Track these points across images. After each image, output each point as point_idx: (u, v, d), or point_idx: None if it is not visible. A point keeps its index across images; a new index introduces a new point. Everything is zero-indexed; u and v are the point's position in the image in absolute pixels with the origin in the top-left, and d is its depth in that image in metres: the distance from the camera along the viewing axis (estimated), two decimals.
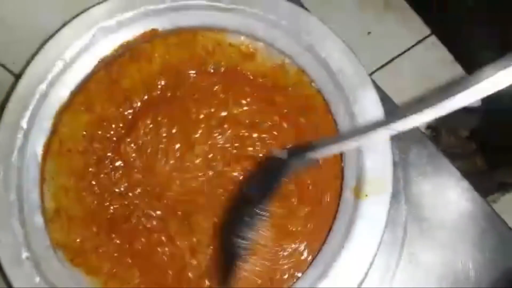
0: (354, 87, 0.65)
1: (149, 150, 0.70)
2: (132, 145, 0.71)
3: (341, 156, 0.66)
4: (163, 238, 0.67)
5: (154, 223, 0.67)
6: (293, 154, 0.60)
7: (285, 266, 0.64)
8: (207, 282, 0.64)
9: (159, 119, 0.71)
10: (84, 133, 0.72)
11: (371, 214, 0.60)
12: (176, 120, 0.71)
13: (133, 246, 0.67)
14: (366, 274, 0.59)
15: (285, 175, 0.61)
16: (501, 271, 0.72)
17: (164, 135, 0.70)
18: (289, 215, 0.67)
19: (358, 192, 0.62)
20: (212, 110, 0.72)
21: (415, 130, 0.79)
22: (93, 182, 0.70)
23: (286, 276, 0.64)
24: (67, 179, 0.70)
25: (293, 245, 0.65)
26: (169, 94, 0.74)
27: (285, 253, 0.65)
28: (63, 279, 0.62)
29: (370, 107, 0.64)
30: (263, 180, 0.63)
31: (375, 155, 0.62)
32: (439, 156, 0.77)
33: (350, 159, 0.65)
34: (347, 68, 0.66)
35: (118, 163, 0.71)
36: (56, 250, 0.65)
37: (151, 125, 0.71)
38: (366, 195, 0.60)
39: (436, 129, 1.06)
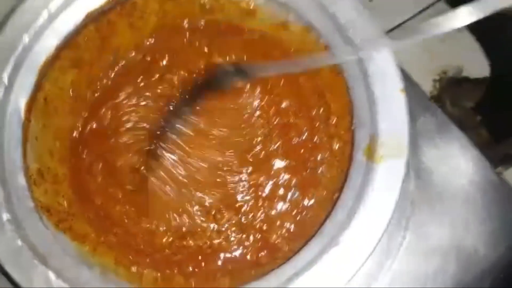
0: (366, 43, 0.60)
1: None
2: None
3: (351, 116, 0.61)
4: None
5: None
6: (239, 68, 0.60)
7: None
8: None
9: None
10: (71, 92, 0.68)
11: (386, 180, 0.55)
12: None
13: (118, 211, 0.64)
14: (376, 246, 0.54)
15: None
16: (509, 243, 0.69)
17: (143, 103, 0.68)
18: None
19: (370, 154, 0.57)
20: None
21: (422, 98, 0.76)
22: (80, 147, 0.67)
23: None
24: (53, 141, 0.66)
25: None
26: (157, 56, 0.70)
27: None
28: (48, 244, 0.57)
29: (385, 65, 0.59)
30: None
31: (390, 114, 0.57)
32: (448, 124, 0.74)
33: (362, 119, 0.60)
34: (358, 22, 0.61)
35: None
36: (41, 214, 0.60)
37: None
38: (381, 158, 0.56)
39: (440, 99, 1.02)
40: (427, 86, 1.03)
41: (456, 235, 0.68)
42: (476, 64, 1.05)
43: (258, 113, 0.67)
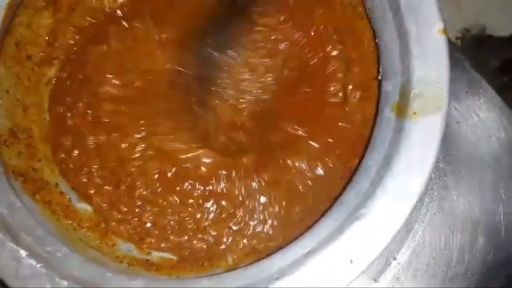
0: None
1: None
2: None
3: (378, 60, 0.51)
4: None
5: None
6: None
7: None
8: None
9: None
10: (47, 38, 0.60)
11: (419, 140, 0.45)
12: None
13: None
14: (405, 221, 0.45)
15: None
16: None
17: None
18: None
19: (401, 109, 0.47)
20: None
21: (452, 50, 0.67)
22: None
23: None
24: (26, 94, 0.58)
25: None
26: None
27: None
28: (19, 216, 0.49)
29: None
30: None
31: (426, 60, 0.47)
32: (479, 81, 0.65)
33: (390, 67, 0.50)
34: None
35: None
36: (12, 180, 0.51)
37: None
38: (415, 113, 0.46)
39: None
40: None
41: (485, 208, 0.61)
42: (501, 22, 0.97)
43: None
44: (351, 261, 0.44)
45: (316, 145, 0.57)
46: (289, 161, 0.56)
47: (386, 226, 0.45)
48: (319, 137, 0.57)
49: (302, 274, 0.44)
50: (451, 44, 0.67)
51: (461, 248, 0.60)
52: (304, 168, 0.56)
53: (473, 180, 0.62)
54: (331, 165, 0.56)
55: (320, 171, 0.56)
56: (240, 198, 0.57)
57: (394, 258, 0.60)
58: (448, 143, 0.63)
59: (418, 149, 0.45)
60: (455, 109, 0.64)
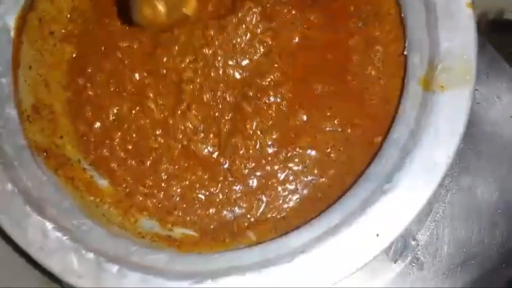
0: None
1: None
2: None
3: (404, 35, 0.51)
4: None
5: None
6: None
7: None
8: None
9: None
10: (69, 15, 0.60)
11: (447, 113, 0.45)
12: None
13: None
14: (432, 195, 0.45)
15: None
16: None
17: None
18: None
19: (428, 83, 0.47)
20: None
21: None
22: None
23: None
24: (48, 70, 0.58)
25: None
26: None
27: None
28: (46, 190, 0.49)
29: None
30: None
31: (454, 33, 0.46)
32: (501, 63, 0.65)
33: (417, 40, 0.50)
34: None
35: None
36: (35, 155, 0.52)
37: None
38: (442, 87, 0.46)
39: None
40: None
41: (506, 190, 0.61)
42: None
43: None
44: (377, 235, 0.44)
45: (345, 109, 0.57)
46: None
47: (413, 198, 0.45)
48: (346, 103, 0.57)
49: (326, 249, 0.45)
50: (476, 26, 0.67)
51: (481, 229, 0.60)
52: (338, 129, 0.56)
53: (493, 160, 0.62)
54: (360, 133, 0.55)
55: (351, 135, 0.56)
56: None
57: (414, 239, 0.60)
58: (469, 123, 0.62)
59: (446, 122, 0.46)
60: (476, 89, 0.62)
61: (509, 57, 0.91)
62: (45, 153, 0.54)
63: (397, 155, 0.47)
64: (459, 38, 0.46)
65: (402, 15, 0.52)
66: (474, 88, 0.46)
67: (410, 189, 0.45)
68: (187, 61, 0.58)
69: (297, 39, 0.58)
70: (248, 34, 0.58)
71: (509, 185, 0.61)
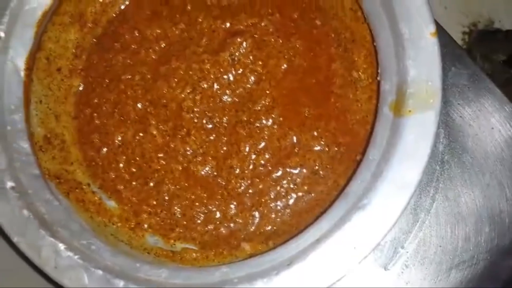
0: None
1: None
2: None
3: (376, 62, 0.55)
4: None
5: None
6: None
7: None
8: None
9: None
10: (74, 51, 0.65)
11: (415, 136, 0.49)
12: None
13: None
14: (404, 209, 0.49)
15: None
16: None
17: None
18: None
19: (398, 108, 0.51)
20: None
21: (453, 47, 0.69)
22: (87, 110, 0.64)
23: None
24: (57, 103, 0.63)
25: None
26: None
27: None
28: (56, 213, 0.54)
29: (413, 6, 0.51)
30: None
31: (420, 61, 0.50)
32: (482, 77, 0.67)
33: (387, 65, 0.53)
34: None
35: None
36: (48, 182, 0.57)
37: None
38: (410, 111, 0.50)
39: (469, 53, 0.96)
40: (456, 39, 0.96)
41: (489, 198, 0.63)
42: (508, 16, 0.97)
43: None
44: (355, 248, 0.48)
45: (330, 129, 0.61)
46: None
47: (386, 214, 0.48)
48: (331, 123, 0.61)
49: (311, 260, 0.48)
50: (453, 42, 0.70)
51: (467, 237, 0.62)
52: (324, 148, 0.61)
53: (477, 170, 0.64)
54: (344, 151, 0.60)
55: (336, 153, 0.60)
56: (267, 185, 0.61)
57: (402, 247, 0.62)
58: (453, 136, 0.65)
59: (414, 144, 0.49)
60: (458, 104, 0.65)
61: (496, 68, 0.94)
62: (57, 179, 0.58)
63: (372, 174, 0.50)
64: (424, 66, 0.50)
65: (375, 43, 0.55)
66: (440, 110, 0.49)
67: (384, 205, 0.48)
68: (187, 92, 0.62)
69: (284, 66, 0.63)
70: (241, 68, 0.62)
71: (491, 193, 0.63)
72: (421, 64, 0.50)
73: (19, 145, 0.55)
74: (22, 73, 0.57)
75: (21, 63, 0.57)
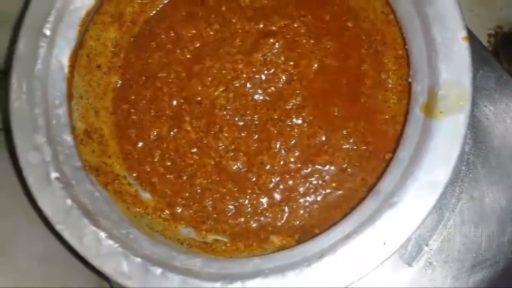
0: None
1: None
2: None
3: (407, 64, 0.57)
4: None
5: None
6: None
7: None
8: None
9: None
10: (113, 49, 0.68)
11: (445, 137, 0.50)
12: None
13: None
14: (432, 208, 0.50)
15: None
16: None
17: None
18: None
19: (429, 109, 0.52)
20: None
21: (481, 51, 0.70)
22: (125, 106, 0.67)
23: None
24: (97, 99, 0.66)
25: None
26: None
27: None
28: (97, 203, 0.57)
29: (446, 10, 0.52)
30: None
31: (451, 64, 0.52)
32: (508, 80, 0.68)
33: (419, 70, 0.54)
34: None
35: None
36: (89, 174, 0.59)
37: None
38: (441, 112, 0.51)
39: (496, 55, 0.96)
40: (482, 41, 0.97)
41: None
42: None
43: None
44: (384, 243, 0.49)
45: (359, 129, 0.63)
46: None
47: (415, 212, 0.50)
48: (360, 123, 0.63)
49: (341, 254, 0.50)
50: (480, 45, 0.71)
51: (490, 236, 0.64)
52: (353, 147, 0.62)
53: (502, 172, 0.65)
54: (372, 150, 0.62)
55: (365, 152, 0.62)
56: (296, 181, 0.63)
57: (427, 245, 0.64)
58: (479, 137, 0.66)
59: (444, 145, 0.50)
60: (485, 106, 0.67)
61: None
62: (96, 171, 0.61)
63: (402, 173, 0.52)
64: (455, 69, 0.51)
65: (406, 46, 0.57)
66: (469, 113, 0.50)
67: (413, 204, 0.50)
68: (220, 90, 0.65)
69: (315, 66, 0.64)
70: (272, 68, 0.65)
71: None
72: (453, 67, 0.51)
73: (62, 139, 0.58)
74: (66, 70, 0.60)
75: (65, 60, 0.60)
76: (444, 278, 0.64)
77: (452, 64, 0.51)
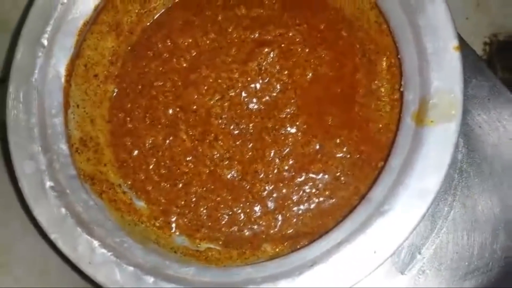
0: None
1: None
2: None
3: (400, 73, 0.57)
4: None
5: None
6: None
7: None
8: None
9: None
10: (110, 58, 0.68)
11: (436, 146, 0.51)
12: None
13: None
14: (424, 216, 0.51)
15: None
16: None
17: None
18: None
19: (420, 118, 0.53)
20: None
21: (474, 59, 0.71)
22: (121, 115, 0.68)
23: None
24: (93, 107, 0.66)
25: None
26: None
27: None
28: (91, 212, 0.57)
29: (437, 20, 0.53)
30: None
31: (443, 73, 0.52)
32: (502, 89, 0.69)
33: (411, 76, 0.55)
34: None
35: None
36: (83, 182, 0.60)
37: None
38: (432, 121, 0.52)
39: (490, 63, 0.97)
40: (477, 49, 0.97)
41: (506, 206, 0.65)
42: None
43: None
44: (375, 252, 0.50)
45: (353, 137, 0.63)
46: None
47: (406, 221, 0.51)
48: (354, 131, 0.63)
49: (332, 262, 0.51)
50: (474, 54, 0.72)
51: (482, 244, 0.64)
52: (346, 155, 0.63)
53: (495, 180, 0.65)
54: (365, 158, 0.62)
55: (358, 160, 0.62)
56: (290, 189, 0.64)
57: (420, 253, 0.64)
58: (472, 146, 0.66)
59: (435, 153, 0.51)
60: (478, 114, 0.67)
61: None
62: (91, 180, 0.62)
63: (393, 181, 0.53)
64: (447, 78, 0.52)
65: (399, 56, 0.57)
66: (460, 121, 0.51)
67: (404, 212, 0.51)
68: (215, 99, 0.65)
69: (310, 75, 0.65)
70: (267, 77, 0.65)
71: (509, 202, 0.64)
72: (444, 76, 0.52)
73: (59, 147, 0.59)
74: (63, 79, 0.61)
75: (62, 70, 0.61)
76: (437, 286, 0.64)
77: (443, 73, 0.52)
